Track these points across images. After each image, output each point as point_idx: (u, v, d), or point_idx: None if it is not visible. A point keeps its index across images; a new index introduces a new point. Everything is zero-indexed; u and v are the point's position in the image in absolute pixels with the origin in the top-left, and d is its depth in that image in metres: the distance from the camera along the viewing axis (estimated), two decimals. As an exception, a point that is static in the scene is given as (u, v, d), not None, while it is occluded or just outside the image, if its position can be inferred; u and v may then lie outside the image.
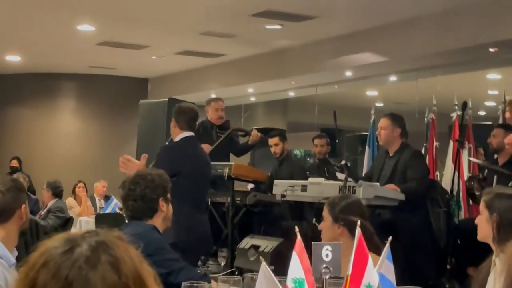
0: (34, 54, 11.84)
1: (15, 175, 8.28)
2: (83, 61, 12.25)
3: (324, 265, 2.01)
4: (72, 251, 1.17)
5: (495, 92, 11.30)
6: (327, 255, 2.01)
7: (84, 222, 9.24)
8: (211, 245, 5.66)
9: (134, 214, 3.31)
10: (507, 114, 5.81)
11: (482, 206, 3.13)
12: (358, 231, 2.14)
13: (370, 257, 2.04)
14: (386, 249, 2.21)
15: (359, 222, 2.14)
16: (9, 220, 2.84)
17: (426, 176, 5.99)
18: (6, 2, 8.35)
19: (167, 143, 5.42)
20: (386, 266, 2.21)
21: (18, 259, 2.79)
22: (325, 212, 3.44)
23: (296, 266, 1.99)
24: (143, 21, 9.12)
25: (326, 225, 3.41)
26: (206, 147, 7.03)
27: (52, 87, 13.66)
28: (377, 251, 2.66)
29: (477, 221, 3.18)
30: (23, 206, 2.89)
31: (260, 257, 1.98)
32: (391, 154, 5.85)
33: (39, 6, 8.49)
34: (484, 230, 3.10)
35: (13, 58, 12.13)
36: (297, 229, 2.06)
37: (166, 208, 3.36)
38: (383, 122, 5.91)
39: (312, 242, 2.06)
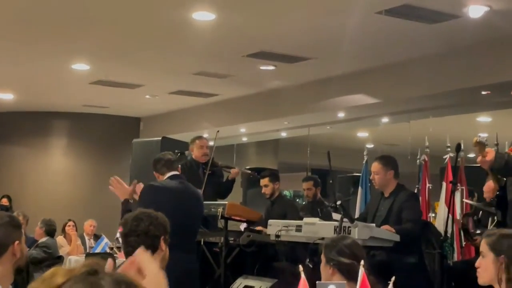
0: (27, 92, 11.85)
1: (15, 213, 8.26)
2: (76, 99, 12.27)
3: (327, 305, 1.99)
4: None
5: (485, 135, 11.35)
6: (331, 295, 2.00)
7: (73, 261, 9.11)
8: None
9: (135, 250, 3.26)
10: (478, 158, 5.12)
11: (485, 249, 3.06)
12: (361, 271, 2.13)
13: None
14: (389, 290, 2.20)
15: (362, 262, 2.14)
16: (2, 256, 2.80)
17: (420, 218, 5.98)
18: (0, 40, 8.38)
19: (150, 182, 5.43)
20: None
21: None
22: (322, 253, 3.48)
23: (299, 306, 1.97)
24: (137, 60, 9.16)
25: (322, 265, 3.44)
26: None
27: (45, 126, 13.64)
28: None
29: (478, 264, 3.11)
30: (16, 242, 2.85)
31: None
32: (386, 195, 5.85)
33: (34, 44, 8.52)
34: (489, 273, 3.04)
35: (6, 96, 12.13)
36: (301, 268, 2.05)
37: (165, 249, 3.33)
38: (375, 167, 5.91)
39: (317, 282, 2.05)
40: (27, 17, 7.43)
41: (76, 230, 10.50)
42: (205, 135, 11.46)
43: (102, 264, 1.21)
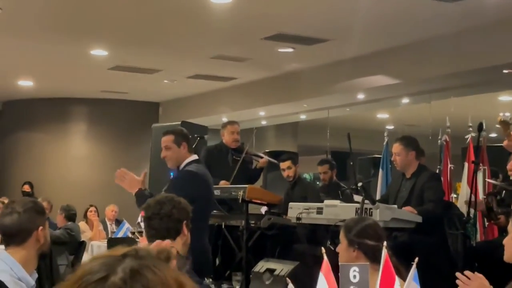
0: (46, 79, 11.90)
1: (40, 199, 8.34)
2: (95, 85, 12.31)
3: (351, 287, 1.98)
4: (106, 279, 1.13)
5: (508, 114, 11.24)
6: (354, 276, 1.98)
7: (96, 247, 9.20)
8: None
9: (158, 233, 3.27)
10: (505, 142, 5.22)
11: (510, 226, 3.08)
12: (384, 252, 2.11)
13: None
14: (413, 271, 2.18)
15: (385, 244, 2.12)
16: (26, 241, 2.82)
17: (443, 198, 5.94)
18: (20, 28, 8.41)
19: (187, 169, 5.16)
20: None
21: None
22: (341, 235, 3.42)
23: (323, 287, 1.96)
24: (155, 45, 9.16)
25: (342, 248, 3.39)
26: (225, 184, 7.01)
27: (64, 112, 13.72)
28: (396, 272, 2.62)
29: (505, 241, 3.12)
30: (40, 228, 2.87)
31: (287, 279, 1.94)
32: (408, 176, 5.81)
33: (52, 31, 8.55)
34: None
35: (26, 83, 12.20)
36: (323, 250, 2.03)
37: (187, 233, 3.34)
38: (396, 148, 5.87)
39: (340, 263, 2.03)
40: (44, 4, 7.44)
41: (98, 216, 10.57)
42: (224, 119, 11.51)
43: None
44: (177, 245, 3.28)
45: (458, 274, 2.73)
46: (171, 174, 5.95)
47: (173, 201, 3.32)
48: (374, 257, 3.26)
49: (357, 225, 3.41)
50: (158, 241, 2.98)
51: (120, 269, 1.13)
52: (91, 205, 10.67)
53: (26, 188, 12.94)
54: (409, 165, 5.81)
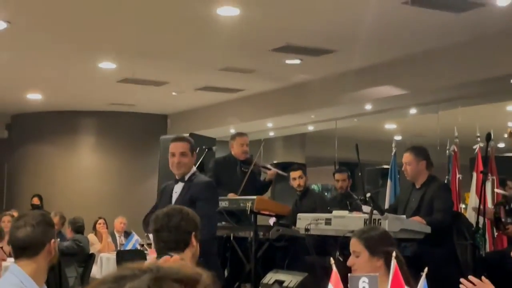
0: (55, 92, 11.96)
1: (52, 213, 8.40)
2: (103, 98, 12.36)
3: (361, 298, 1.98)
4: None
5: (516, 124, 11.24)
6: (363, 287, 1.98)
7: (105, 259, 9.21)
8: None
9: (167, 246, 3.28)
10: None
11: None
12: (393, 262, 2.11)
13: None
14: (422, 281, 2.18)
15: (394, 253, 2.12)
16: (38, 254, 2.83)
17: (452, 209, 5.93)
18: (28, 41, 8.46)
19: (206, 179, 5.22)
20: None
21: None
22: (359, 247, 3.27)
23: (332, 299, 1.96)
24: (163, 58, 9.20)
25: (363, 260, 3.23)
26: (233, 196, 7.02)
27: (73, 125, 13.77)
28: (406, 282, 2.61)
29: None
30: (52, 240, 2.89)
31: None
32: (418, 186, 5.80)
33: (61, 44, 8.60)
34: None
35: (34, 96, 12.26)
36: (332, 261, 2.04)
37: (196, 245, 3.34)
38: (407, 158, 5.86)
39: (349, 274, 2.03)
40: (53, 18, 7.49)
41: (107, 228, 10.59)
42: (232, 130, 11.53)
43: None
44: (186, 257, 3.28)
45: (462, 280, 2.68)
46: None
47: (182, 213, 3.33)
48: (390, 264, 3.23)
49: (375, 233, 3.33)
50: (166, 257, 2.97)
51: (129, 286, 1.11)
52: (100, 217, 10.68)
53: (35, 200, 12.97)
54: (419, 175, 5.80)
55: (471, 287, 2.63)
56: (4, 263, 2.38)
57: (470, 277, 2.48)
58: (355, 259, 3.26)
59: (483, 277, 2.55)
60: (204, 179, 5.05)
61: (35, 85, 11.45)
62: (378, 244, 3.24)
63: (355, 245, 3.28)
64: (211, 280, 1.17)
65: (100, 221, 10.60)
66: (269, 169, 7.68)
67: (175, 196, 4.94)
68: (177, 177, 4.99)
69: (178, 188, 4.97)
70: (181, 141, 5.01)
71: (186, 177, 4.95)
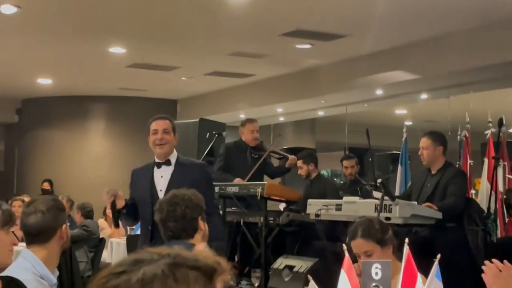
0: (65, 76, 11.97)
1: (60, 197, 8.43)
2: (113, 83, 12.36)
3: (373, 284, 1.97)
4: (120, 275, 1.13)
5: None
6: (376, 273, 1.97)
7: (115, 244, 9.24)
8: None
9: (175, 235, 3.29)
10: None
11: None
12: (406, 249, 2.10)
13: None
14: (435, 268, 2.17)
15: (406, 240, 2.10)
16: (50, 240, 2.83)
17: (465, 195, 5.90)
18: (38, 26, 8.46)
19: (198, 161, 5.18)
20: (435, 285, 2.16)
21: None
22: (369, 245, 3.18)
23: (345, 284, 1.95)
24: (173, 42, 9.17)
25: (377, 256, 3.12)
26: (239, 182, 7.01)
27: (83, 110, 13.79)
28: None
29: None
30: (64, 226, 2.88)
31: (308, 276, 1.94)
32: (433, 172, 5.77)
33: (70, 29, 8.59)
34: None
35: (45, 81, 12.28)
36: (344, 247, 2.03)
37: (204, 227, 3.36)
38: (424, 142, 5.82)
39: (362, 261, 2.02)
40: (63, 2, 7.47)
41: (117, 213, 10.60)
42: (242, 116, 11.52)
43: None
44: (197, 241, 3.30)
45: (486, 262, 2.55)
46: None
47: (184, 200, 3.33)
48: (394, 247, 3.23)
49: (374, 225, 3.29)
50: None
51: (143, 271, 1.11)
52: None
53: (46, 185, 13.03)
54: (436, 160, 5.77)
55: (496, 270, 2.49)
56: (16, 248, 2.38)
57: (494, 261, 2.41)
58: (368, 258, 3.09)
59: (505, 261, 2.48)
60: (197, 160, 4.90)
61: (46, 69, 11.46)
62: (383, 234, 3.22)
63: (363, 246, 3.18)
64: (229, 269, 1.17)
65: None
66: (281, 155, 7.67)
67: (161, 181, 4.65)
68: (159, 160, 4.70)
69: (164, 172, 4.67)
70: (163, 119, 4.77)
71: (173, 160, 4.69)
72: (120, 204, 4.75)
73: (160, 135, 4.66)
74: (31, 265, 2.72)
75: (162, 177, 4.66)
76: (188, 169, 4.65)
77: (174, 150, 4.73)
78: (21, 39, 9.12)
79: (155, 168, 4.71)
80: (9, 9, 7.55)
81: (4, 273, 2.55)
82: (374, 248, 3.17)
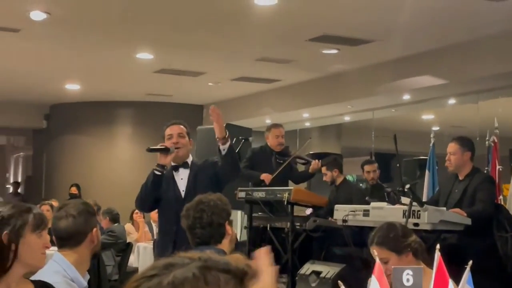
0: (93, 82, 12.07)
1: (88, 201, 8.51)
2: (140, 88, 12.44)
3: (404, 290, 1.95)
4: (151, 278, 1.14)
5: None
6: (408, 280, 1.96)
7: (142, 248, 9.29)
8: None
9: (202, 241, 3.31)
10: None
11: None
12: (437, 255, 2.08)
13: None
14: (466, 274, 2.15)
15: (438, 246, 2.08)
16: (80, 244, 2.86)
17: (494, 201, 5.84)
18: (67, 32, 8.54)
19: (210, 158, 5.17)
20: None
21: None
22: (384, 253, 3.19)
23: (376, 291, 1.94)
24: (199, 48, 9.21)
25: (393, 263, 3.14)
26: (266, 177, 7.03)
27: (110, 115, 13.90)
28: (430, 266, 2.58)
29: None
30: (94, 229, 2.91)
31: (339, 281, 1.93)
32: (461, 178, 5.72)
33: (98, 35, 8.66)
34: None
35: (73, 87, 12.40)
36: (375, 252, 2.02)
37: (231, 231, 3.37)
38: (452, 147, 5.77)
39: (393, 267, 2.00)
40: (91, 8, 7.54)
41: (144, 217, 10.67)
42: (268, 121, 11.52)
43: None
44: (224, 246, 3.31)
45: None
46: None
47: (211, 206, 3.33)
48: (417, 253, 3.20)
49: (391, 231, 3.28)
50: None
51: (174, 274, 1.13)
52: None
53: (74, 190, 13.14)
54: (464, 166, 5.72)
55: None
56: (48, 252, 2.41)
57: None
58: (385, 266, 3.09)
59: None
60: (208, 159, 4.94)
61: (74, 75, 11.57)
62: (399, 241, 3.21)
63: (378, 253, 3.12)
64: (260, 273, 1.18)
65: (137, 210, 10.69)
66: (308, 160, 7.66)
67: (182, 183, 4.79)
68: (175, 163, 4.82)
69: (183, 174, 4.81)
70: (177, 124, 4.93)
71: (189, 162, 4.84)
72: (167, 160, 4.71)
73: (175, 139, 4.82)
74: (62, 268, 2.75)
75: (182, 179, 4.82)
76: (203, 168, 4.81)
77: (189, 154, 4.89)
78: (50, 45, 9.22)
79: (173, 171, 4.87)
80: (38, 16, 7.65)
81: (35, 277, 2.58)
82: (389, 255, 3.18)
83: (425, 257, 3.13)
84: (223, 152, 4.58)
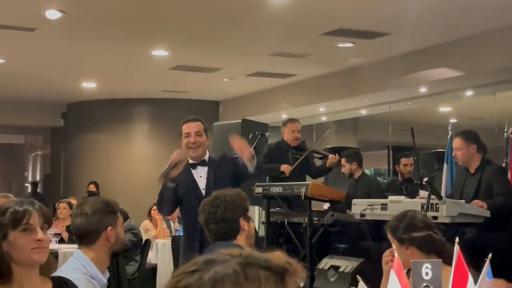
0: (109, 80, 12.12)
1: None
2: (156, 85, 12.46)
3: (424, 284, 1.94)
4: (192, 274, 1.15)
5: None
6: (427, 274, 1.94)
7: (160, 245, 9.30)
8: None
9: (217, 237, 3.31)
10: None
11: None
12: (456, 248, 2.06)
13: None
14: (486, 267, 2.13)
15: (457, 240, 2.07)
16: (95, 242, 2.87)
17: (511, 191, 5.81)
18: (82, 31, 8.58)
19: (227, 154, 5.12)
20: (486, 284, 2.12)
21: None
22: (390, 238, 3.31)
23: (395, 285, 1.93)
24: (215, 44, 9.21)
25: (397, 251, 3.26)
26: (286, 168, 7.02)
27: (126, 112, 13.94)
28: (450, 262, 2.56)
29: None
30: (109, 228, 2.90)
31: (358, 276, 1.93)
32: (472, 171, 5.70)
33: (114, 33, 8.69)
34: None
35: (89, 85, 12.45)
36: (393, 247, 2.01)
37: (247, 227, 3.35)
38: (456, 143, 5.79)
39: (412, 261, 1.99)
40: (106, 6, 7.56)
41: (162, 214, 10.69)
42: (284, 116, 11.50)
43: None
44: (240, 242, 3.30)
45: None
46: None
47: (226, 201, 3.32)
48: (428, 248, 3.18)
49: (402, 221, 3.31)
50: None
51: (215, 270, 1.15)
52: (154, 204, 10.76)
53: (92, 187, 13.21)
54: (472, 160, 5.70)
55: None
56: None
57: None
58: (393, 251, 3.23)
59: None
60: (226, 155, 4.89)
61: (90, 73, 11.62)
62: (403, 232, 3.24)
63: (388, 236, 3.30)
64: (301, 270, 1.19)
65: (155, 207, 10.71)
66: (324, 155, 7.65)
67: (201, 180, 4.73)
68: (193, 161, 4.75)
69: (202, 172, 4.75)
70: (194, 121, 4.79)
71: (206, 158, 4.76)
72: (177, 172, 4.58)
73: (193, 138, 4.73)
74: (82, 265, 2.77)
75: (201, 177, 4.75)
76: (222, 165, 4.76)
77: (207, 151, 4.82)
78: (65, 43, 9.26)
79: (191, 169, 4.78)
80: (54, 14, 7.68)
81: (55, 273, 2.59)
82: (392, 241, 3.25)
83: (443, 251, 3.10)
84: (251, 171, 4.54)
